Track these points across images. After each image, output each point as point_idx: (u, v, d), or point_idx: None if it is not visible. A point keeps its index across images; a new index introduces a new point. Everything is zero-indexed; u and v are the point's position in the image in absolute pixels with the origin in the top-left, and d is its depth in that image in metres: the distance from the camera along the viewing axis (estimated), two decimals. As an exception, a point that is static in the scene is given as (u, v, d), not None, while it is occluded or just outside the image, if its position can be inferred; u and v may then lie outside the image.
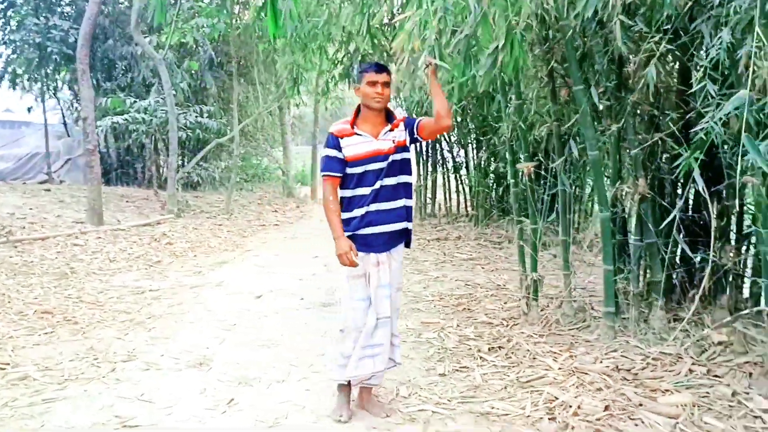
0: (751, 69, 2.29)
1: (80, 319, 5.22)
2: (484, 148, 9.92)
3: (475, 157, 10.58)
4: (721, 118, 2.87)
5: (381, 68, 3.28)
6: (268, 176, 19.36)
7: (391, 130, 3.34)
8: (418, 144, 11.68)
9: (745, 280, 4.64)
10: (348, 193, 3.33)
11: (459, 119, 9.95)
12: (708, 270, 4.09)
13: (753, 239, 4.56)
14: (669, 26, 3.77)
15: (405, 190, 3.41)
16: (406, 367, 4.18)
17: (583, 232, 8.37)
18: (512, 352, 4.37)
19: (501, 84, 5.32)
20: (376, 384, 3.58)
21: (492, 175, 10.32)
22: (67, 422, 3.34)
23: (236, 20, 13.81)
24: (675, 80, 4.42)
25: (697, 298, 4.10)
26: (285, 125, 17.00)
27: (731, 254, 4.39)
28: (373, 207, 3.30)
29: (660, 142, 4.31)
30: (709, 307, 4.49)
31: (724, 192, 4.31)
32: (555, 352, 4.29)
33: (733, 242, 4.52)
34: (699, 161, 3.14)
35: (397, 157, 3.34)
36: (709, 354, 3.98)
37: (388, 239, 3.38)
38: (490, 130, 9.32)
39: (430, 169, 11.63)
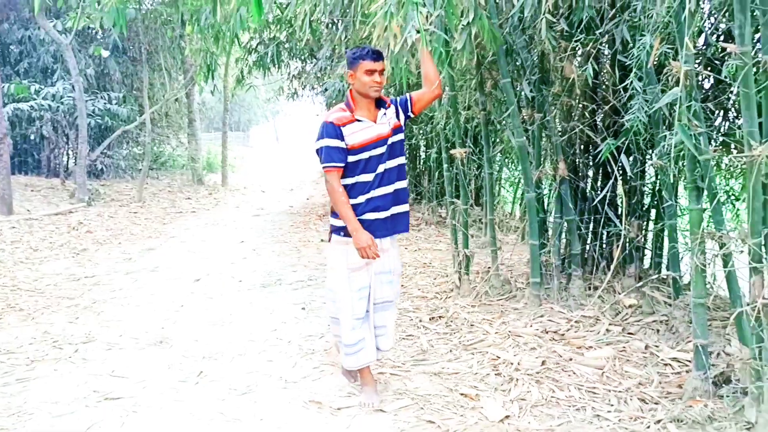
0: (677, 70, 2.77)
1: (24, 305, 5.24)
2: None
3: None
4: (646, 110, 3.39)
5: (378, 56, 3.21)
6: (173, 163, 19.06)
7: (385, 113, 3.33)
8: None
9: (647, 251, 5.31)
10: (350, 180, 3.25)
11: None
12: (619, 243, 4.70)
13: (653, 215, 5.22)
14: (589, 27, 4.26)
15: (402, 171, 3.39)
16: (356, 338, 4.53)
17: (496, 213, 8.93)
18: (451, 321, 4.81)
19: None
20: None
21: (408, 162, 10.76)
22: (50, 398, 3.47)
23: (142, 5, 13.53)
24: (590, 76, 4.95)
25: (612, 267, 4.68)
26: (193, 112, 16.81)
27: (636, 229, 5.00)
28: (378, 192, 3.27)
29: (578, 131, 4.84)
30: (619, 276, 5.08)
31: (630, 174, 4.91)
32: (489, 320, 4.76)
33: (638, 218, 5.13)
34: (624, 147, 3.65)
35: (395, 139, 3.34)
36: (622, 315, 4.55)
37: (391, 223, 3.36)
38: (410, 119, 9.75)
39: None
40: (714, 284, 4.45)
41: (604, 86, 4.76)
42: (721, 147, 4.35)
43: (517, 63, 5.08)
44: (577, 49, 4.39)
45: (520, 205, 8.78)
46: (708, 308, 3.66)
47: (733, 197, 4.61)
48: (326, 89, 9.58)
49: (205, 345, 4.39)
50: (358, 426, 3.19)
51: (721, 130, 4.50)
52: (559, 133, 4.86)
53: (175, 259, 7.46)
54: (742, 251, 3.23)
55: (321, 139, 3.22)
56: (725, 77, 3.31)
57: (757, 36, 3.26)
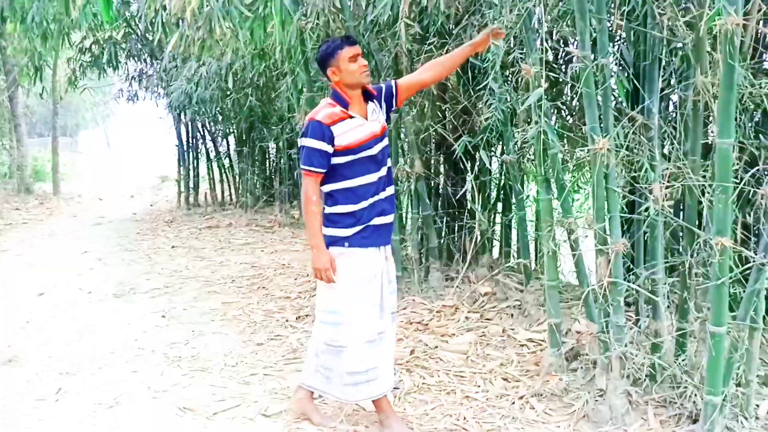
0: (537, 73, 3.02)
1: None
2: (251, 138, 10.22)
3: (241, 148, 10.83)
4: (503, 109, 3.64)
5: (353, 39, 2.95)
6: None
7: (374, 108, 3.05)
8: (177, 133, 11.72)
9: (496, 242, 5.67)
10: (351, 183, 2.91)
11: (225, 110, 10.13)
12: (474, 235, 4.99)
13: (500, 210, 5.58)
14: (443, 31, 4.49)
15: (390, 175, 3.12)
16: (224, 341, 4.47)
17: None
18: (318, 319, 4.85)
19: (277, 77, 5.77)
20: None
21: (259, 164, 10.69)
22: None
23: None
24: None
25: (468, 258, 4.96)
26: (18, 117, 15.50)
27: (487, 221, 5.32)
28: (383, 194, 2.99)
29: (431, 129, 5.06)
30: (473, 266, 5.37)
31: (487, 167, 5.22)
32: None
33: (488, 211, 5.47)
34: (477, 144, 3.89)
35: (385, 137, 3.06)
36: (479, 303, 4.82)
37: (392, 229, 3.15)
38: (258, 121, 9.70)
39: (191, 158, 11.61)
40: (562, 269, 4.84)
41: (455, 87, 5.01)
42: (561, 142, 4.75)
43: (372, 65, 5.22)
44: (430, 52, 4.60)
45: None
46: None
47: (576, 188, 5.03)
48: (171, 92, 9.26)
49: (61, 360, 4.12)
50: (237, 430, 3.17)
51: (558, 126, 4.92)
52: (414, 132, 5.06)
53: (13, 273, 6.89)
54: (587, 236, 3.57)
55: (304, 137, 2.90)
56: (570, 79, 3.63)
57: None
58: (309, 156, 2.86)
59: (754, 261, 2.65)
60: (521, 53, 3.48)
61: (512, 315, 4.57)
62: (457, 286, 5.06)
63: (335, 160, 2.89)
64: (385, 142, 3.05)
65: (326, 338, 3.03)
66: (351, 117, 2.91)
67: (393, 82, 3.17)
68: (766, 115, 3.18)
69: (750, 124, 3.32)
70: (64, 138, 37.32)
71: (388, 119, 3.18)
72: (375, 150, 2.95)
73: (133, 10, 8.82)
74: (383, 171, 3.01)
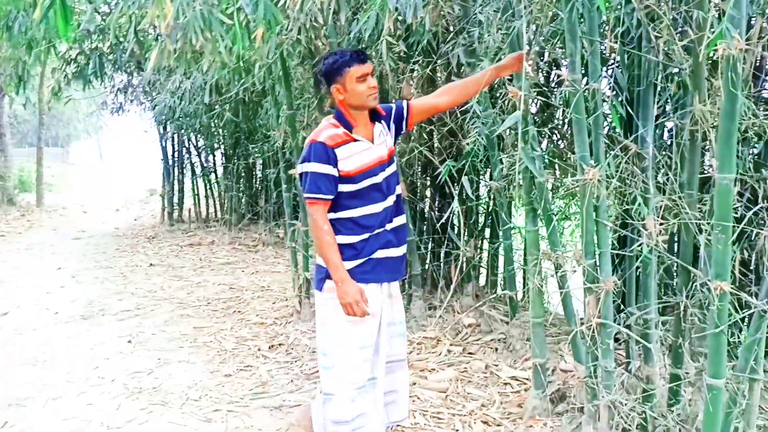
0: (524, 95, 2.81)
1: None
2: (236, 154, 10.00)
3: (227, 163, 10.60)
4: (487, 134, 3.43)
5: (364, 56, 2.62)
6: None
7: (381, 130, 2.77)
8: (162, 147, 11.48)
9: (483, 270, 5.45)
10: (354, 213, 2.64)
11: (211, 125, 9.91)
12: (459, 263, 4.76)
13: (487, 236, 5.36)
14: (428, 50, 4.29)
15: (401, 203, 2.83)
16: (190, 371, 4.21)
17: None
18: (292, 348, 4.61)
19: (262, 92, 5.57)
20: None
21: (244, 181, 10.46)
22: None
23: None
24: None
25: (452, 287, 4.73)
26: (3, 126, 15.25)
27: (473, 249, 5.10)
28: (389, 225, 2.71)
29: (417, 152, 4.86)
30: (457, 295, 5.15)
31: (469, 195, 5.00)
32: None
33: (474, 238, 5.25)
34: (464, 168, 3.68)
35: (392, 169, 2.76)
36: (462, 335, 4.59)
37: (400, 263, 2.79)
38: (244, 137, 9.47)
39: (177, 173, 11.37)
40: (549, 301, 4.62)
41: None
42: (551, 170, 4.55)
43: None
44: (414, 71, 4.40)
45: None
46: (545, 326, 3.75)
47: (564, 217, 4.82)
48: (155, 105, 9.04)
49: (14, 388, 3.86)
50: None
51: (548, 153, 4.72)
52: (399, 154, 4.85)
53: (-21, 289, 6.63)
54: (575, 271, 3.35)
55: (306, 162, 2.59)
56: (560, 103, 3.42)
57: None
58: (314, 181, 2.56)
59: (755, 307, 2.42)
60: (509, 75, 3.27)
61: (496, 349, 4.34)
62: (440, 316, 4.82)
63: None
64: (393, 168, 2.76)
65: (323, 385, 2.75)
66: (355, 140, 2.63)
67: (405, 103, 2.87)
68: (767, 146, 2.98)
69: (749, 156, 3.13)
70: (55, 148, 37.17)
71: (395, 142, 2.88)
72: (380, 177, 2.66)
73: (105, 21, 8.53)
74: (390, 200, 2.71)
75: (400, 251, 2.77)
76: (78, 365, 4.31)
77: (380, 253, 2.68)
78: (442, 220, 4.91)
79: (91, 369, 4.23)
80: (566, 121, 4.18)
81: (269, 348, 4.64)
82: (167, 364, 4.38)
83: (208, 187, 11.34)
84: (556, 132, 4.68)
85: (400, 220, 2.79)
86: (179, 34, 3.70)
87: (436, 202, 5.30)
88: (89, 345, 4.76)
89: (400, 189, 2.82)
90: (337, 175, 2.57)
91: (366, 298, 2.60)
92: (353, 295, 2.55)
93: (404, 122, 2.84)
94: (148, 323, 5.39)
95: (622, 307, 3.13)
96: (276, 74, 4.93)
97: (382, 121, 2.77)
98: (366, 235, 2.64)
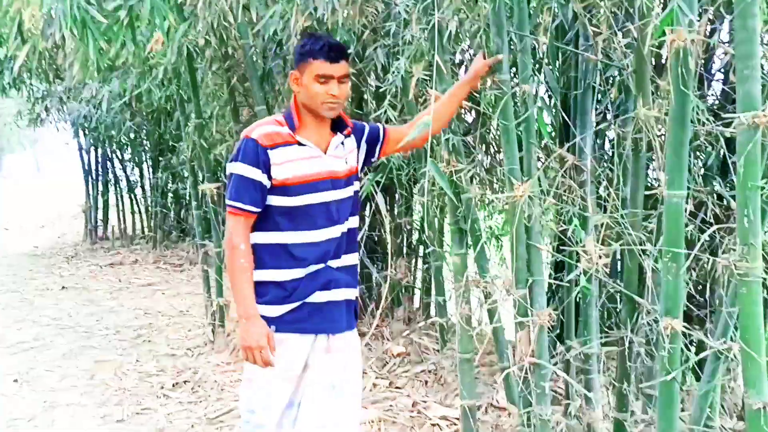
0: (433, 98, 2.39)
1: None
2: (161, 167, 9.39)
3: (152, 177, 9.99)
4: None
5: (338, 53, 2.08)
6: None
7: (342, 142, 2.24)
8: (82, 160, 10.71)
9: (416, 292, 5.03)
10: (286, 238, 2.11)
11: (133, 136, 9.31)
12: (386, 285, 4.33)
13: (421, 254, 4.95)
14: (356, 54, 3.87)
15: (354, 237, 2.28)
16: (77, 417, 3.67)
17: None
18: (198, 386, 4.10)
19: (180, 101, 5.09)
20: None
21: (171, 196, 9.86)
22: None
23: None
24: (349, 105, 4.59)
25: (378, 312, 4.29)
26: None
27: (404, 269, 4.69)
28: (333, 263, 2.17)
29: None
30: (387, 320, 4.72)
31: (397, 211, 4.60)
32: (242, 380, 4.13)
33: (405, 257, 4.84)
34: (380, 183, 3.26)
35: (348, 191, 2.21)
36: (390, 366, 4.16)
37: (345, 310, 2.23)
38: (168, 149, 8.88)
39: (101, 188, 10.67)
40: (482, 331, 4.22)
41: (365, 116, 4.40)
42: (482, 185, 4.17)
43: (276, 89, 4.58)
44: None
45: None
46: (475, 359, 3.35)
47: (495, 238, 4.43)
48: (69, 113, 8.40)
49: None
50: None
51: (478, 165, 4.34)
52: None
53: None
54: (505, 299, 2.94)
55: (234, 161, 2.11)
56: (487, 109, 3.03)
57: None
58: (238, 187, 2.07)
59: (710, 347, 2.05)
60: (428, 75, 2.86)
61: (426, 382, 3.92)
62: (367, 344, 4.38)
63: (267, 199, 2.12)
64: (350, 192, 2.22)
65: None
66: (300, 144, 2.11)
67: (381, 127, 2.40)
68: (719, 158, 2.63)
69: (698, 168, 2.78)
70: (-15, 162, 35.59)
71: (362, 168, 2.39)
72: (327, 197, 2.13)
73: None
74: (337, 230, 2.16)
75: (346, 294, 2.22)
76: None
77: (318, 296, 2.14)
78: (366, 239, 4.47)
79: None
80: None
81: (173, 386, 4.12)
82: (53, 408, 3.82)
83: (133, 202, 10.67)
84: (493, 142, 4.31)
85: (350, 260, 2.25)
86: (51, 31, 3.25)
87: (366, 219, 4.88)
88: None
89: (355, 222, 2.29)
90: (266, 183, 2.08)
91: (273, 345, 2.09)
92: (257, 339, 2.05)
93: (377, 147, 2.38)
94: (44, 357, 4.79)
95: (556, 342, 2.74)
96: (183, 80, 4.45)
97: (352, 136, 2.28)
98: (300, 273, 2.11)
